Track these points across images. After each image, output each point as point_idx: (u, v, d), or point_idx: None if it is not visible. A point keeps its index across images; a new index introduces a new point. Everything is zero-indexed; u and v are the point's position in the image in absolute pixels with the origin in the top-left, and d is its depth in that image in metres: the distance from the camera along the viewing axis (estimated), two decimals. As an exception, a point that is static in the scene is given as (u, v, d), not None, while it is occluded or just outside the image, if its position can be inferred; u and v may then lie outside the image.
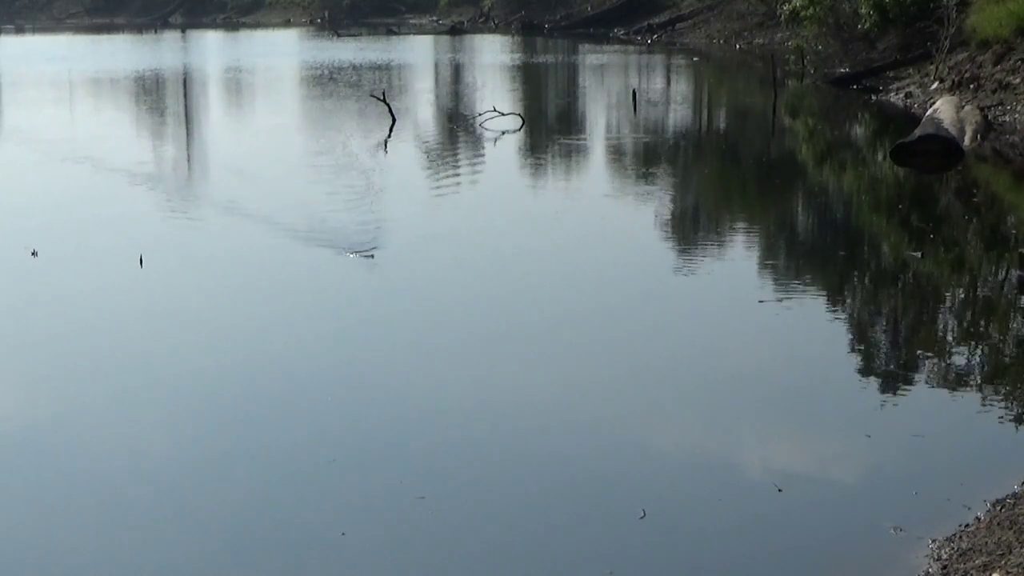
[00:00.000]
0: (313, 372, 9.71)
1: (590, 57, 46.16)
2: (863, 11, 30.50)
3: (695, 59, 43.70)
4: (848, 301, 12.04)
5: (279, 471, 7.74)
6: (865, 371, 9.64)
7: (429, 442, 8.20)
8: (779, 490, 7.28)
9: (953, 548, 6.50)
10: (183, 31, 75.88)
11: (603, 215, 16.18)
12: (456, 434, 8.41)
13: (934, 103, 21.81)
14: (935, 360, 9.92)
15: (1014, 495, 7.09)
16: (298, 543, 6.75)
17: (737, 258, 13.75)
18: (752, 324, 10.86)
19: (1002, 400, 8.95)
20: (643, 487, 7.42)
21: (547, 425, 8.54)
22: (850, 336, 10.65)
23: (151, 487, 7.52)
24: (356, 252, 12.52)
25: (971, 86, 23.79)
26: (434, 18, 75.45)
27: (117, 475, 7.72)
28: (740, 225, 16.00)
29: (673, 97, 32.88)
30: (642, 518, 6.96)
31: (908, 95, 26.06)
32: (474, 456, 8.05)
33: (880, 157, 20.30)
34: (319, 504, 7.24)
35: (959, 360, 9.95)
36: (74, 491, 7.50)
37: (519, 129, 24.19)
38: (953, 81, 24.64)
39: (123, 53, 54.45)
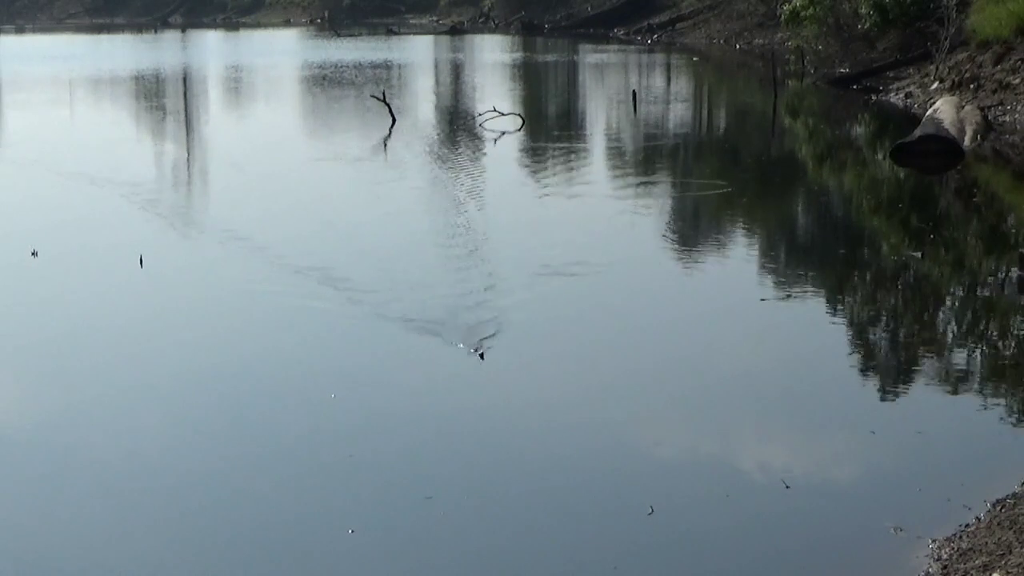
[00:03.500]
0: (316, 371, 9.71)
1: (590, 57, 46.15)
2: (863, 11, 30.50)
3: (695, 59, 43.69)
4: (849, 301, 12.05)
5: (286, 470, 7.75)
6: (866, 370, 9.64)
7: (436, 442, 8.21)
8: (787, 487, 7.30)
9: (953, 548, 6.50)
10: (183, 31, 75.87)
11: (609, 215, 16.13)
12: (462, 434, 8.42)
13: (934, 103, 21.81)
14: (935, 360, 9.92)
15: (1014, 495, 7.09)
16: (305, 540, 6.75)
17: (738, 258, 13.76)
18: (754, 323, 10.87)
19: (1002, 400, 8.96)
20: (650, 484, 7.44)
21: (554, 423, 8.56)
22: (851, 335, 10.66)
23: (155, 485, 7.53)
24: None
25: (971, 86, 23.79)
26: (434, 18, 75.43)
27: (124, 473, 7.73)
28: (741, 225, 15.99)
29: (673, 97, 32.87)
30: (650, 514, 6.98)
31: (908, 95, 26.05)
32: (480, 455, 8.07)
33: (880, 157, 20.30)
34: (327, 502, 7.26)
35: (959, 360, 9.96)
36: (77, 490, 7.50)
37: (519, 129, 24.18)
38: (953, 81, 24.63)
39: (123, 53, 54.43)
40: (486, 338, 9.99)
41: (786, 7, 34.32)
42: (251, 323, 11.14)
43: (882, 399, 8.99)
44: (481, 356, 9.55)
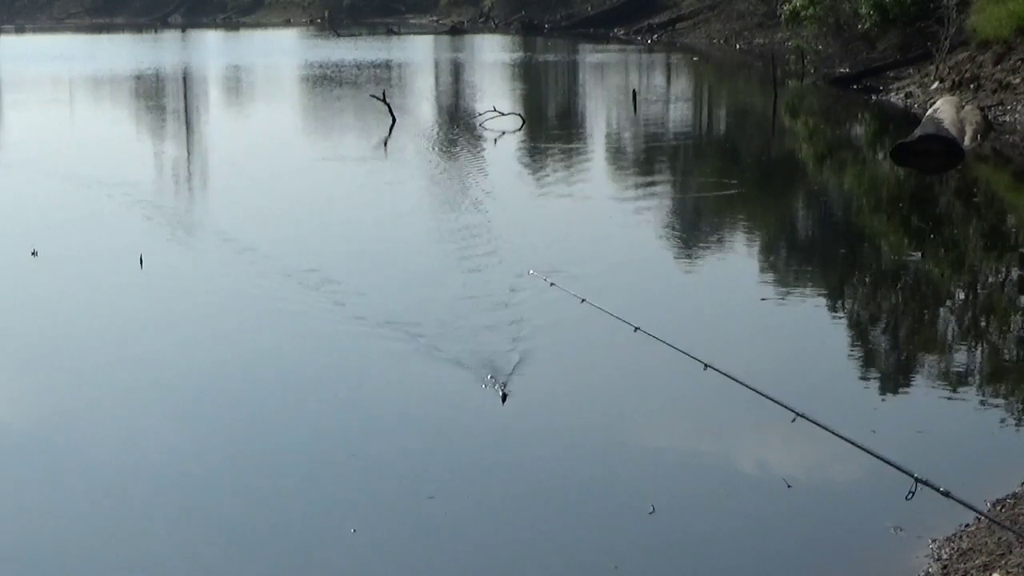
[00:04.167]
0: (316, 370, 9.72)
1: (590, 57, 46.17)
2: (863, 11, 30.52)
3: (695, 59, 43.70)
4: (849, 300, 12.05)
5: (286, 470, 7.76)
6: (866, 370, 9.64)
7: (436, 442, 8.22)
8: (788, 487, 7.30)
9: (953, 548, 6.50)
10: (183, 31, 75.91)
11: (612, 216, 16.12)
12: (462, 433, 8.43)
13: (934, 103, 21.81)
14: (935, 359, 9.92)
15: (1014, 495, 7.08)
16: (308, 539, 6.76)
17: (739, 257, 13.76)
18: (754, 322, 10.87)
19: (1002, 400, 8.96)
20: (651, 484, 7.46)
21: (555, 422, 8.56)
22: (851, 335, 10.66)
23: (156, 485, 7.53)
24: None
25: (971, 86, 23.80)
26: (434, 18, 75.51)
27: (123, 473, 7.72)
28: (741, 225, 15.99)
29: (673, 97, 32.88)
30: (651, 514, 6.99)
31: (908, 95, 26.06)
32: (481, 455, 8.08)
33: (880, 157, 20.31)
34: (330, 501, 7.26)
35: (959, 360, 9.96)
36: (78, 490, 7.50)
37: (519, 129, 24.18)
38: (953, 81, 24.64)
39: (123, 53, 54.44)
40: (497, 359, 9.90)
41: (786, 7, 34.35)
42: (251, 324, 11.13)
43: (882, 399, 8.99)
44: (503, 399, 8.98)
